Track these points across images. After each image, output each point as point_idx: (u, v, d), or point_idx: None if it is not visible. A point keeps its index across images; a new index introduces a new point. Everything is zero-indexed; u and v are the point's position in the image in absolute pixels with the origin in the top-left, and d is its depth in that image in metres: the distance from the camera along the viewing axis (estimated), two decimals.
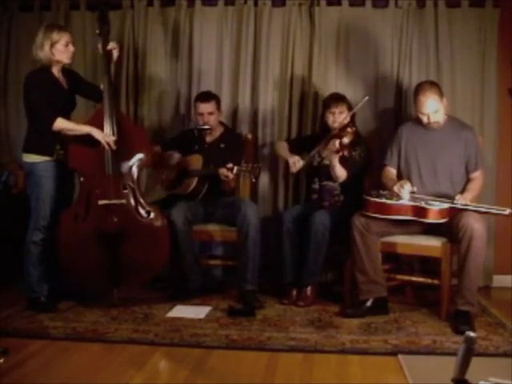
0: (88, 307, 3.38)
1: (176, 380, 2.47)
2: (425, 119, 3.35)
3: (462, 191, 3.30)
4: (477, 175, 3.40)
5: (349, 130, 3.49)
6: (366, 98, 3.55)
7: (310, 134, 3.98)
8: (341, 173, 3.53)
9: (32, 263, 3.32)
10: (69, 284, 3.50)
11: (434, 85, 3.38)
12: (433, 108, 3.30)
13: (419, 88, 3.36)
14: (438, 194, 3.30)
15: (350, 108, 3.66)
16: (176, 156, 3.84)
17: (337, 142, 3.43)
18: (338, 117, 3.61)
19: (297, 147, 3.78)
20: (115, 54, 3.50)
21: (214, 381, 2.47)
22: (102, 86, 3.46)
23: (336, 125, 3.58)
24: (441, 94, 3.34)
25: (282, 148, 3.81)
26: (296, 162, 3.57)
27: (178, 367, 2.61)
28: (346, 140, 3.43)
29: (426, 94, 3.30)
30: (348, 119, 3.60)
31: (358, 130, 3.71)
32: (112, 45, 3.49)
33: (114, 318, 3.24)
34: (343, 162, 3.54)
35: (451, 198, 3.21)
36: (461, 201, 3.16)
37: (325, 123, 3.70)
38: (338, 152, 3.44)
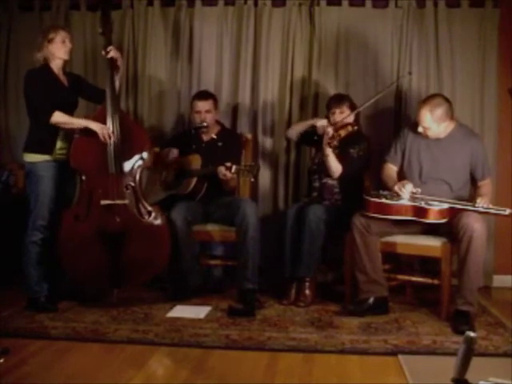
0: (88, 307, 3.38)
1: (176, 380, 2.47)
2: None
3: (477, 197, 3.25)
4: (486, 183, 3.39)
5: (349, 127, 3.53)
6: (373, 100, 3.58)
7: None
8: (335, 165, 3.56)
9: (31, 263, 3.32)
10: (69, 284, 3.50)
11: (441, 106, 3.25)
12: (423, 124, 3.28)
13: (426, 98, 3.33)
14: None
15: (352, 107, 3.67)
16: (174, 151, 3.84)
17: (330, 130, 3.47)
18: (339, 116, 3.62)
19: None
20: (119, 62, 3.45)
21: (214, 381, 2.47)
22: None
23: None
24: (441, 118, 3.25)
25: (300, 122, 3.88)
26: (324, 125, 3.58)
27: (177, 367, 2.61)
28: (341, 131, 3.49)
29: (423, 108, 3.26)
30: (351, 118, 3.60)
31: (362, 130, 3.72)
32: (113, 53, 3.42)
33: (114, 317, 3.23)
34: (339, 157, 3.57)
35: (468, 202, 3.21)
36: (482, 204, 3.13)
37: None
38: (331, 139, 3.47)
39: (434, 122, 3.27)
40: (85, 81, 3.67)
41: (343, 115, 3.61)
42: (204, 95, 3.79)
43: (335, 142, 3.53)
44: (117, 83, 3.47)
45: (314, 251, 3.50)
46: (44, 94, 3.26)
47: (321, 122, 3.61)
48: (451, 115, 3.32)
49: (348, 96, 3.75)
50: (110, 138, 3.31)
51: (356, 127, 3.60)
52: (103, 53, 3.44)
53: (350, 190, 3.65)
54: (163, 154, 3.85)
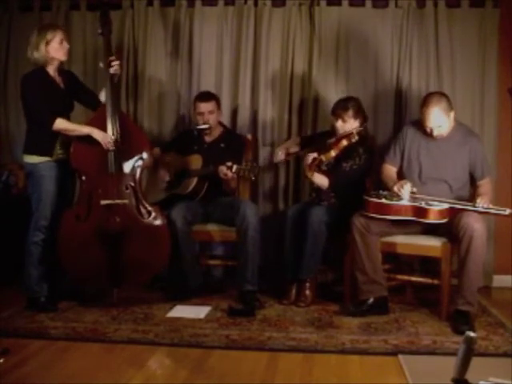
0: (88, 307, 3.38)
1: (176, 380, 2.47)
2: (428, 130, 3.32)
3: (476, 196, 3.24)
4: (485, 182, 3.39)
5: (343, 142, 3.48)
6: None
7: (324, 131, 3.90)
8: (320, 182, 3.54)
9: (32, 263, 3.32)
10: (69, 284, 3.50)
11: (443, 98, 3.29)
12: (436, 123, 3.27)
13: (426, 99, 3.29)
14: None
15: (356, 114, 3.56)
16: (156, 150, 3.81)
17: (310, 158, 3.43)
18: (342, 125, 3.56)
19: (307, 144, 3.81)
20: (117, 68, 3.45)
21: (214, 381, 2.47)
22: (103, 90, 3.45)
23: (339, 133, 3.56)
24: (447, 109, 3.27)
25: (289, 141, 3.94)
26: (277, 154, 3.77)
27: (177, 367, 2.61)
28: (323, 157, 3.42)
29: (430, 107, 3.24)
30: (355, 128, 3.54)
31: (366, 139, 3.66)
32: (116, 67, 3.43)
33: (114, 317, 3.24)
34: (330, 169, 3.57)
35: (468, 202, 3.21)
36: (482, 204, 3.12)
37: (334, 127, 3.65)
38: (309, 167, 3.42)
39: (444, 115, 3.26)
40: (81, 83, 3.61)
41: (347, 125, 3.54)
42: (206, 96, 3.78)
43: (319, 166, 3.47)
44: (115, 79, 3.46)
45: (315, 253, 3.50)
46: (42, 101, 3.23)
47: (278, 157, 3.77)
48: (452, 105, 3.34)
49: (353, 101, 3.59)
50: (113, 146, 3.30)
51: (356, 138, 3.50)
52: (101, 65, 3.43)
53: (346, 195, 3.60)
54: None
